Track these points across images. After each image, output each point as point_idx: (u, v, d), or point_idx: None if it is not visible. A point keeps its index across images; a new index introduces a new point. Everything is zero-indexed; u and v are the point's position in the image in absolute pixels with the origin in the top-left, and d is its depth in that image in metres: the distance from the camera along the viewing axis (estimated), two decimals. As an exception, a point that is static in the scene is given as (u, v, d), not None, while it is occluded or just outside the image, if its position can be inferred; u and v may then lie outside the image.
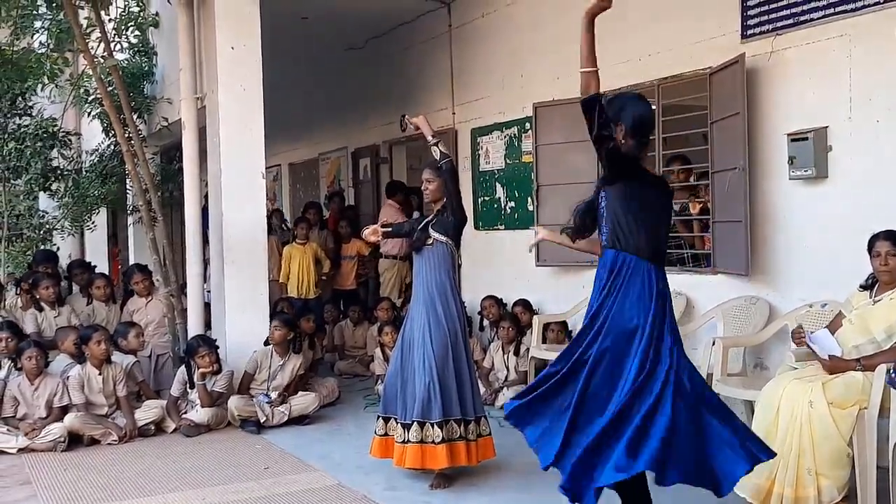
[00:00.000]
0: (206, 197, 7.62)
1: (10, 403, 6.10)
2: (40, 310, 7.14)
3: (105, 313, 7.53)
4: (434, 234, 5.02)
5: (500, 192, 8.32)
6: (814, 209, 5.41)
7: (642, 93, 6.08)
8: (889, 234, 4.32)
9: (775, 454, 3.65)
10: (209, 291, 7.46)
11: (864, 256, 4.43)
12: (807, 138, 5.27)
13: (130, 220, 11.12)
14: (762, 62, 5.65)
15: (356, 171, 11.58)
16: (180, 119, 7.49)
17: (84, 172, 9.69)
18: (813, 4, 5.32)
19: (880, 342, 4.22)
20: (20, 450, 5.84)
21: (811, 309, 5.27)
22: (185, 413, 6.39)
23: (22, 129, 9.06)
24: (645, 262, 3.62)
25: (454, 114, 8.93)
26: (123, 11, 9.28)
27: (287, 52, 9.92)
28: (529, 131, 7.75)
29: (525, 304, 7.61)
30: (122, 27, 9.31)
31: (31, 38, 9.55)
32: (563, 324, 7.18)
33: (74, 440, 5.98)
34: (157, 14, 9.50)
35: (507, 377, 7.18)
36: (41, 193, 9.93)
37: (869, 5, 5.00)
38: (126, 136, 7.75)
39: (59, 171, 9.48)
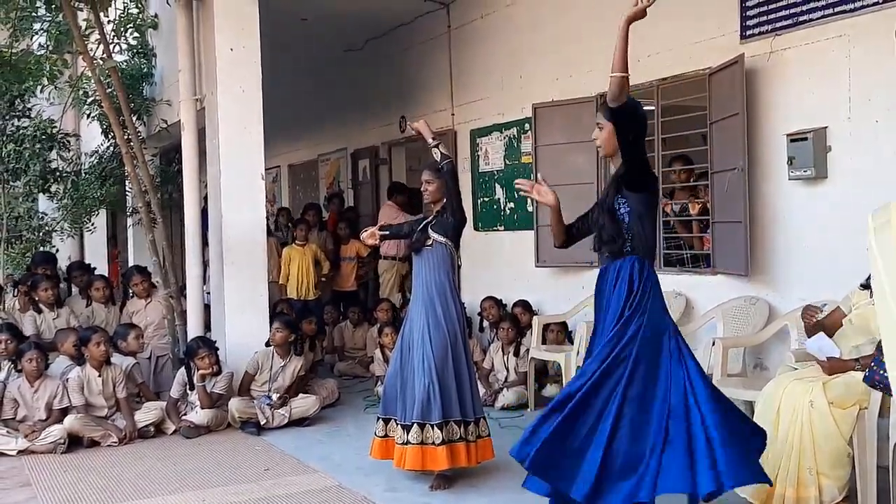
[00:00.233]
0: (205, 198, 7.62)
1: (9, 405, 6.10)
2: (39, 312, 7.14)
3: (104, 315, 7.53)
4: (433, 235, 5.02)
5: (499, 192, 8.32)
6: (813, 209, 5.41)
7: (642, 93, 6.14)
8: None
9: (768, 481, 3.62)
10: (209, 293, 7.46)
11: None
12: (806, 138, 5.27)
13: (130, 221, 11.12)
14: (761, 62, 5.65)
15: (355, 172, 11.57)
16: (179, 120, 7.49)
17: (83, 174, 9.69)
18: (812, 5, 5.32)
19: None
20: (20, 452, 5.84)
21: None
22: (185, 415, 6.38)
23: (21, 131, 9.05)
24: (653, 269, 3.75)
25: (453, 115, 8.93)
26: (122, 13, 9.28)
27: (286, 54, 9.93)
28: (529, 132, 7.75)
29: (525, 304, 7.61)
30: (122, 29, 9.31)
31: (31, 39, 9.56)
32: (563, 324, 7.18)
33: (74, 442, 5.98)
34: (156, 15, 9.50)
35: (506, 378, 7.18)
36: (40, 195, 9.92)
37: (868, 5, 5.01)
38: (125, 137, 7.74)
39: (58, 173, 9.48)
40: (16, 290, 7.43)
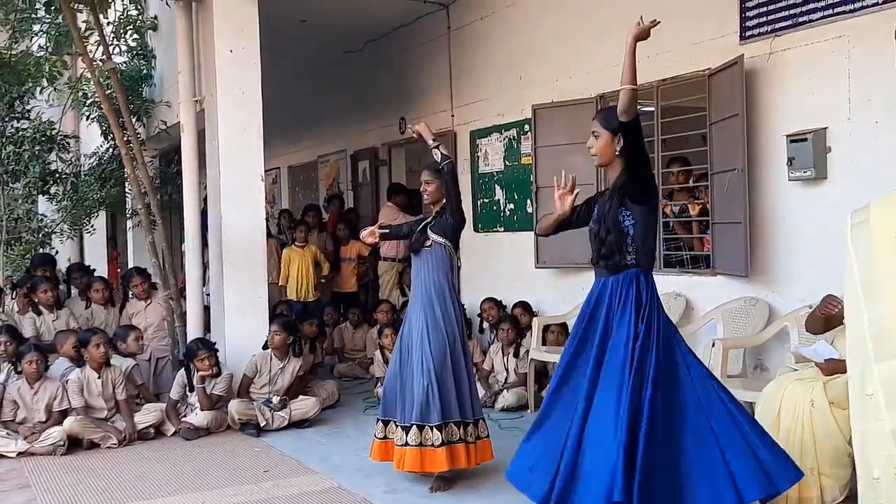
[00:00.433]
0: (205, 200, 7.62)
1: (9, 407, 6.09)
2: (39, 313, 7.14)
3: (104, 317, 7.52)
4: (432, 236, 5.02)
5: (499, 193, 8.31)
6: (813, 210, 5.41)
7: (642, 94, 6.12)
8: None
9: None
10: (208, 294, 7.45)
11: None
12: (806, 139, 5.27)
13: (129, 223, 11.12)
14: (761, 63, 5.65)
15: (355, 173, 11.56)
16: (179, 122, 7.49)
17: (83, 176, 9.70)
18: (812, 5, 5.32)
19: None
20: (20, 453, 5.84)
21: (811, 310, 5.26)
22: (185, 416, 6.38)
23: (20, 133, 9.06)
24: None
25: (453, 116, 8.93)
26: (122, 15, 9.28)
27: (286, 55, 9.92)
28: (528, 133, 7.75)
29: (525, 305, 7.60)
30: (121, 30, 9.31)
31: (30, 41, 9.55)
32: (563, 325, 7.17)
33: (74, 444, 5.98)
34: (155, 17, 9.50)
35: (506, 379, 7.18)
36: (40, 197, 9.92)
37: (868, 6, 5.01)
38: (125, 139, 7.74)
39: (57, 175, 9.48)
40: (15, 291, 7.43)
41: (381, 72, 10.34)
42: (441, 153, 5.03)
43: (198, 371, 6.31)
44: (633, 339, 3.56)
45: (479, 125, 8.54)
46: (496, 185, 8.35)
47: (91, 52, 7.90)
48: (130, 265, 10.48)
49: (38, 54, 9.17)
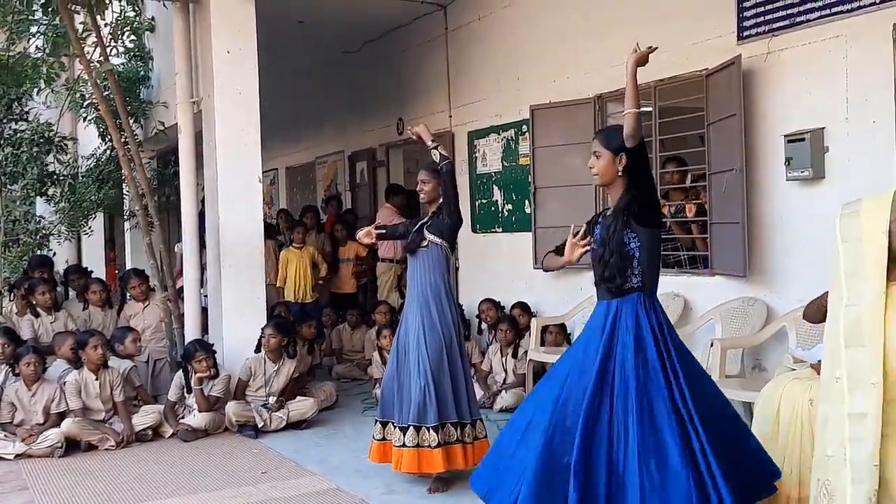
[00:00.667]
0: (202, 201, 7.61)
1: (7, 409, 6.08)
2: (37, 315, 7.13)
3: (102, 318, 7.52)
4: (429, 236, 5.01)
5: (497, 194, 8.31)
6: (811, 210, 5.41)
7: (640, 94, 6.11)
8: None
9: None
10: (206, 296, 7.44)
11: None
12: (803, 139, 5.27)
13: (127, 225, 11.10)
14: (758, 63, 5.65)
15: (353, 174, 11.56)
16: (176, 123, 7.47)
17: (80, 177, 9.67)
18: (809, 5, 5.33)
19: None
20: (17, 456, 5.82)
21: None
22: (183, 418, 6.37)
23: (18, 135, 9.04)
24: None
25: (451, 116, 8.93)
26: (119, 16, 9.25)
27: (283, 56, 9.92)
28: (526, 134, 7.75)
29: (523, 306, 7.60)
30: (118, 32, 9.27)
31: (27, 42, 9.53)
32: (562, 326, 7.17)
33: (72, 446, 5.97)
34: (152, 18, 9.49)
35: (505, 380, 7.18)
36: (37, 198, 9.90)
37: (865, 6, 5.01)
38: (122, 140, 7.72)
39: (55, 176, 9.47)
40: (13, 293, 7.42)
41: (379, 72, 10.34)
42: (440, 154, 5.03)
43: (196, 372, 6.30)
44: (665, 367, 3.51)
45: (476, 126, 8.54)
46: (494, 186, 8.35)
47: (88, 53, 7.88)
48: (128, 267, 10.47)
49: (36, 56, 9.16)
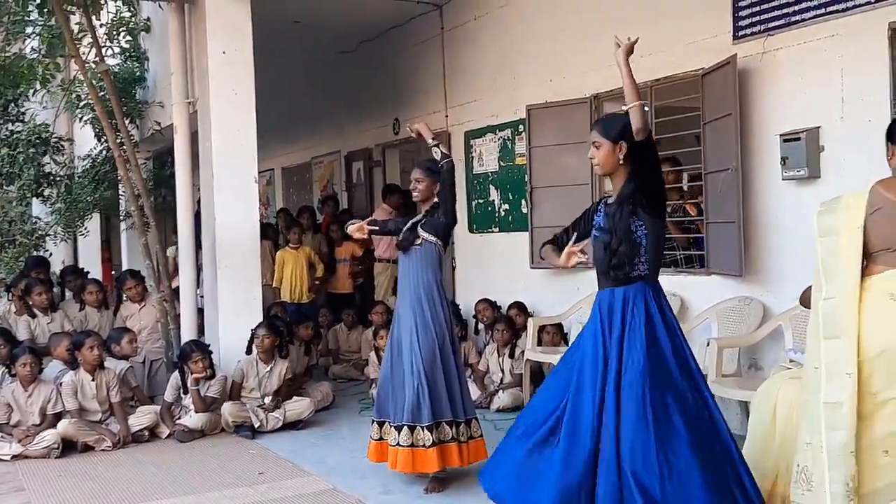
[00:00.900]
0: (198, 202, 7.60)
1: (3, 410, 6.08)
2: (33, 316, 7.12)
3: (98, 319, 7.51)
4: (423, 234, 5.01)
5: (493, 194, 8.31)
6: (807, 209, 5.37)
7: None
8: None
9: None
10: (202, 296, 7.44)
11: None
12: (799, 138, 5.27)
13: (123, 225, 11.10)
14: (754, 63, 5.66)
15: (349, 174, 11.55)
16: (172, 124, 7.46)
17: (76, 178, 9.68)
18: (804, 5, 5.33)
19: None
20: (14, 457, 5.82)
21: (805, 309, 5.27)
22: (179, 418, 6.37)
23: (14, 135, 9.05)
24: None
25: (447, 116, 8.92)
26: (115, 16, 9.26)
27: (279, 56, 9.91)
28: (522, 133, 7.74)
29: (520, 306, 7.60)
30: (114, 32, 9.29)
31: (23, 43, 9.52)
32: (559, 326, 7.17)
33: (68, 447, 5.96)
34: (148, 19, 9.48)
35: (502, 380, 7.18)
36: (34, 199, 9.91)
37: (860, 5, 5.01)
38: (118, 141, 7.72)
39: (51, 177, 9.47)
40: (9, 294, 7.41)
41: (375, 72, 10.33)
42: (441, 152, 5.02)
43: (192, 373, 6.30)
44: (681, 358, 3.59)
45: (473, 126, 8.53)
46: (491, 186, 8.34)
47: (84, 54, 7.89)
48: (124, 268, 10.47)
49: (32, 57, 9.15)
